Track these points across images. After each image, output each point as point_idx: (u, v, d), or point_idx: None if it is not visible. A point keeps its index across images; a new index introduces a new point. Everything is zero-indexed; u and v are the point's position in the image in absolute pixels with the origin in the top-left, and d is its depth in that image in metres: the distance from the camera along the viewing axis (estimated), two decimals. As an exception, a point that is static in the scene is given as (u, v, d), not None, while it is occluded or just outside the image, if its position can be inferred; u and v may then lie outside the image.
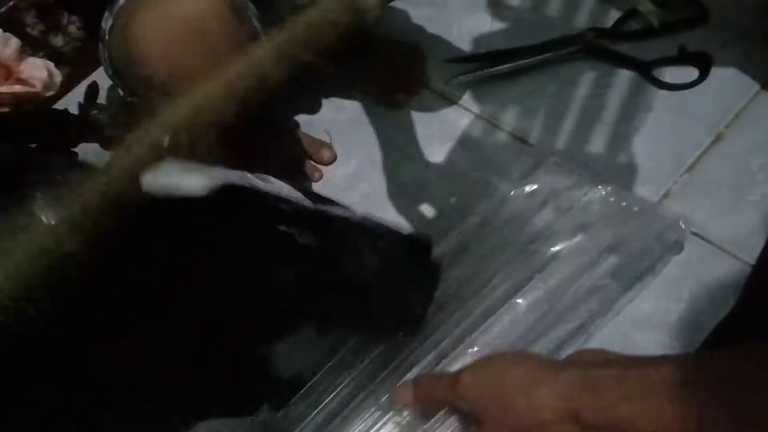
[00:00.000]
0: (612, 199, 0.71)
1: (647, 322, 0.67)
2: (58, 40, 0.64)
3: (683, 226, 0.70)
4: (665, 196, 0.76)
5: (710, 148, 0.78)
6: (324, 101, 0.92)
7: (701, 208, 0.73)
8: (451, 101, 0.88)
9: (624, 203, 0.71)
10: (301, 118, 0.90)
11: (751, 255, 0.68)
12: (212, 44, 0.63)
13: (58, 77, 0.60)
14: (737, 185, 0.74)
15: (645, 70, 0.85)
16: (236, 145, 0.76)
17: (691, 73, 0.84)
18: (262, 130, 0.80)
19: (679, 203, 0.74)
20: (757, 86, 0.81)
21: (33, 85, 0.61)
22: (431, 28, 0.95)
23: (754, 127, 0.79)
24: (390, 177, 0.83)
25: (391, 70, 0.93)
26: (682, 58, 0.85)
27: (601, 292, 0.67)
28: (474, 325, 0.64)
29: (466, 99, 0.88)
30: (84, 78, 0.70)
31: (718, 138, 0.79)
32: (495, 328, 0.63)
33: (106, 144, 0.66)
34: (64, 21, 0.64)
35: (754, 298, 0.63)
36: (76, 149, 0.66)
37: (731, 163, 0.76)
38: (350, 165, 0.86)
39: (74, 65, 0.66)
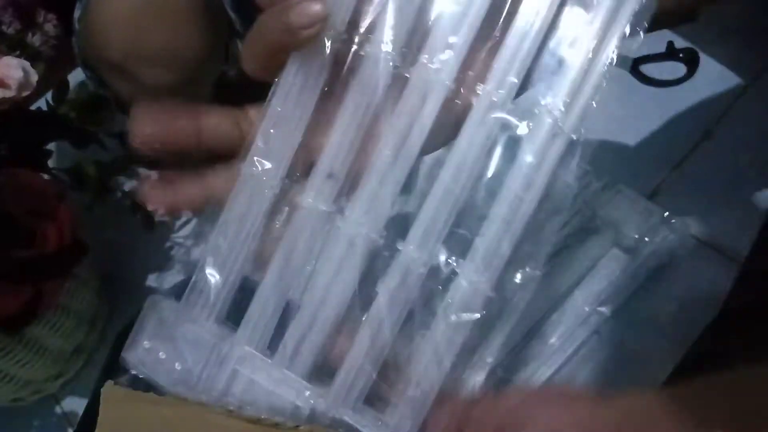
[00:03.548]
0: (601, 194, 0.71)
1: (638, 320, 0.67)
2: (34, 39, 0.63)
3: (673, 224, 0.69)
4: (654, 193, 0.75)
5: (699, 145, 0.78)
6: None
7: (690, 206, 0.73)
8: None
9: (613, 200, 0.71)
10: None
11: (741, 252, 0.67)
12: (173, 23, 0.61)
13: (34, 77, 0.58)
14: (727, 182, 0.74)
15: (633, 67, 0.84)
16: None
17: (680, 69, 0.83)
18: None
19: (668, 201, 0.74)
20: (745, 82, 0.81)
21: (8, 86, 0.59)
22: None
23: (743, 123, 0.78)
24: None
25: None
26: (670, 54, 0.84)
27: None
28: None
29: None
30: (60, 77, 0.69)
31: (706, 135, 0.78)
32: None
33: (76, 141, 0.64)
34: (41, 19, 0.62)
35: (744, 295, 0.63)
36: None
37: (720, 160, 0.76)
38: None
39: (51, 64, 0.65)
